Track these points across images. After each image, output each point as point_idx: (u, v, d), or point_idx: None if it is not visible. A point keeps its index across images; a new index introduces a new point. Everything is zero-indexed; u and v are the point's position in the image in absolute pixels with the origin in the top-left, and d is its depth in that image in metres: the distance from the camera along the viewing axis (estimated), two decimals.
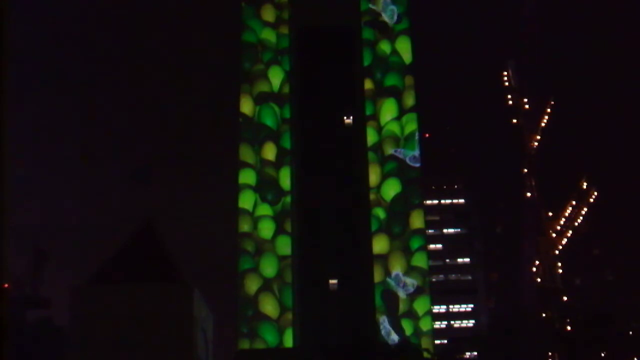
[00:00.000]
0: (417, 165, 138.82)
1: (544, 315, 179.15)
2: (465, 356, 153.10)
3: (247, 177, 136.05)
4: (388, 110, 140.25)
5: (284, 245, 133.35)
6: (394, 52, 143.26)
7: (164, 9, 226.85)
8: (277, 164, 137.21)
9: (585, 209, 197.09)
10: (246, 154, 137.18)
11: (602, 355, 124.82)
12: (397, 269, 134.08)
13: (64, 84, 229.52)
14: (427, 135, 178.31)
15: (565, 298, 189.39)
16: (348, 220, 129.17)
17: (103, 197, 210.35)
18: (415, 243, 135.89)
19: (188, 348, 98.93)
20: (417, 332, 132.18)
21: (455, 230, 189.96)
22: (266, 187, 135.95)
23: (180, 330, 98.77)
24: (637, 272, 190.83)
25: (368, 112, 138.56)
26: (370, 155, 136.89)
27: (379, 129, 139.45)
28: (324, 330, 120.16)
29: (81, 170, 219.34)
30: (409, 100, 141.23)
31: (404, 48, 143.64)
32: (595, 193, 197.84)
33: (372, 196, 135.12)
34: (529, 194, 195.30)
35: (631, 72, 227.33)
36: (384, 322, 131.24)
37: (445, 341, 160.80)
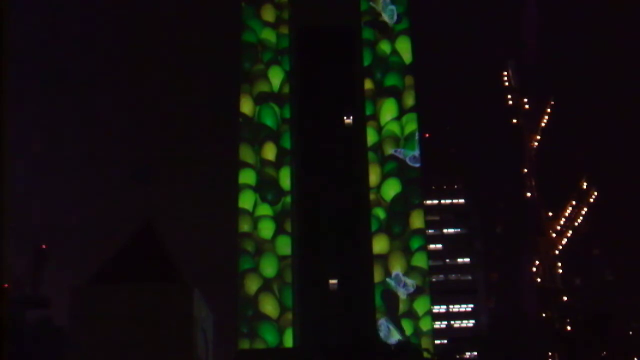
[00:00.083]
0: (417, 165, 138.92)
1: (544, 315, 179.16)
2: (465, 356, 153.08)
3: (247, 177, 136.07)
4: (388, 110, 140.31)
5: (284, 245, 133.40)
6: (394, 52, 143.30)
7: (164, 9, 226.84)
8: (277, 164, 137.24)
9: (585, 209, 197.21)
10: (246, 154, 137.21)
11: (602, 355, 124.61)
12: (397, 269, 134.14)
13: (64, 84, 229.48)
14: (427, 135, 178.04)
15: (565, 298, 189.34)
16: (348, 220, 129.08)
17: (103, 197, 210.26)
18: (415, 243, 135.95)
19: (188, 348, 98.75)
20: (417, 332, 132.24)
21: (455, 230, 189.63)
22: (266, 187, 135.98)
23: (180, 330, 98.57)
24: (637, 272, 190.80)
25: (368, 112, 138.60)
26: (370, 155, 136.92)
27: (379, 129, 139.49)
28: (324, 330, 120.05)
29: (81, 170, 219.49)
30: (409, 100, 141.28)
31: (404, 48, 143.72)
32: (595, 193, 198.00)
33: (372, 196, 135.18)
34: (529, 194, 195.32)
35: (631, 72, 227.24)
36: (382, 324, 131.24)
37: (445, 341, 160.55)
